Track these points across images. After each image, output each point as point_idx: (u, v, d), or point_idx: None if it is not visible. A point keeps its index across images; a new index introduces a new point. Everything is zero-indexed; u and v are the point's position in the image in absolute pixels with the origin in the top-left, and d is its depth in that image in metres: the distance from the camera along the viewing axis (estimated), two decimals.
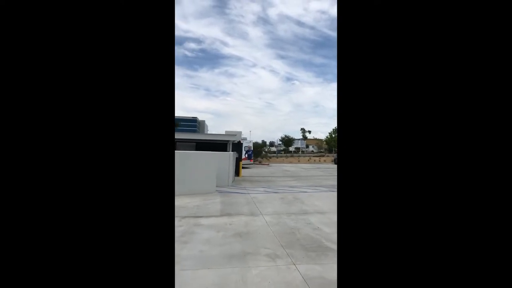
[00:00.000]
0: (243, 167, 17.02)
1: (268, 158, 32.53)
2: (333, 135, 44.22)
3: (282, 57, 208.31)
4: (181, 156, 8.50)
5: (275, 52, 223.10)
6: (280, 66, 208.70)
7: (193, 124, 61.47)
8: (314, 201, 7.71)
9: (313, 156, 39.41)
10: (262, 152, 31.05)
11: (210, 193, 8.75)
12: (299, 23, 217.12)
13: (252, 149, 22.86)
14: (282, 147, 52.34)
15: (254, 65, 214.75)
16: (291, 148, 53.13)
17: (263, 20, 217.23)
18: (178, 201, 7.11)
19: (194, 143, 15.66)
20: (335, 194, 9.03)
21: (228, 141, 14.41)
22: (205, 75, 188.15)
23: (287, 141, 50.34)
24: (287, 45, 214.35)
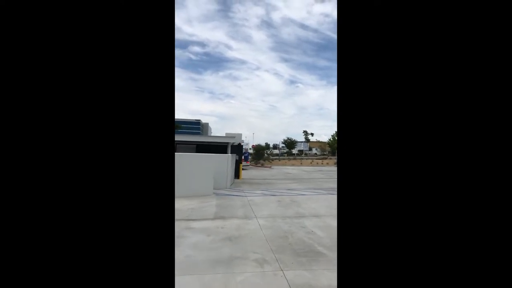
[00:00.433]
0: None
1: (270, 160, 32.36)
2: (336, 138, 43.94)
3: (285, 60, 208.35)
4: (177, 158, 8.40)
5: (278, 55, 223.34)
6: (284, 69, 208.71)
7: (197, 126, 61.56)
8: (311, 204, 7.54)
9: (316, 159, 39.15)
10: (264, 155, 30.88)
11: (207, 196, 8.63)
12: (303, 26, 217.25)
13: (248, 151, 22.85)
14: (286, 150, 52.14)
15: (258, 68, 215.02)
16: (294, 151, 52.90)
17: (267, 24, 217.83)
18: None
19: (195, 145, 15.59)
20: (334, 197, 8.89)
21: (227, 143, 14.31)
22: (209, 78, 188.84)
23: (290, 143, 50.11)
24: (291, 48, 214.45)
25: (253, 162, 29.57)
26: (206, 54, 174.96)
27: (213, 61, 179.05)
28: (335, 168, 25.39)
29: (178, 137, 15.34)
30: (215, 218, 5.97)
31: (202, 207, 7.02)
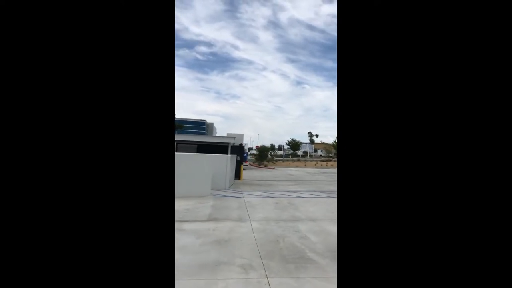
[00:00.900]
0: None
1: (274, 161, 32.17)
2: None
3: (292, 61, 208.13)
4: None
5: (285, 56, 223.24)
6: (290, 70, 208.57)
7: (202, 126, 61.69)
8: (309, 207, 7.37)
9: (320, 161, 38.81)
10: (267, 156, 30.70)
11: (204, 197, 8.52)
12: (310, 27, 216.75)
13: (247, 151, 22.82)
14: (290, 151, 51.85)
15: (264, 69, 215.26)
16: (299, 152, 52.58)
17: (274, 24, 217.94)
18: None
19: (196, 145, 15.52)
20: (333, 200, 8.70)
21: (228, 143, 14.20)
22: (215, 78, 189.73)
23: (294, 145, 49.82)
24: (298, 49, 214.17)
25: (256, 163, 29.44)
26: (213, 54, 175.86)
27: (219, 61, 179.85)
28: None
29: (179, 137, 15.29)
30: (208, 220, 5.85)
31: (197, 208, 6.90)
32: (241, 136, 16.43)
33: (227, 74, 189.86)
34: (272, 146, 59.42)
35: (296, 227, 5.40)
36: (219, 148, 14.69)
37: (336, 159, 42.43)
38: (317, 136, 50.55)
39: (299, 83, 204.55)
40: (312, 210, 7.09)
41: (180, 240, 4.44)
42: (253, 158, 32.48)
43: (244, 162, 22.51)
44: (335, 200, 8.67)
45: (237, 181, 13.59)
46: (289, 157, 48.14)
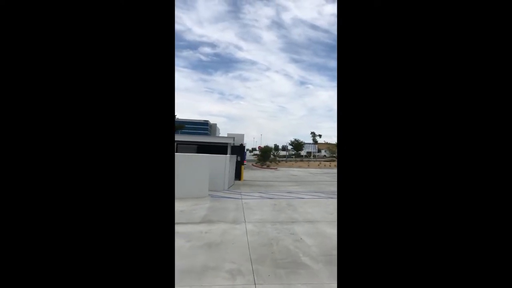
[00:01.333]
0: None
1: (277, 162, 31.95)
2: None
3: (296, 61, 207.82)
4: None
5: (289, 56, 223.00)
6: (294, 70, 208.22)
7: (205, 127, 61.72)
8: (307, 209, 7.16)
9: (324, 161, 38.47)
10: (270, 156, 30.47)
11: (201, 198, 8.36)
12: (313, 27, 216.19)
13: (245, 151, 22.77)
14: (294, 151, 51.50)
15: (268, 69, 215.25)
16: (303, 153, 52.22)
17: (277, 24, 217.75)
18: None
19: (196, 146, 15.40)
20: (333, 201, 8.48)
21: (227, 143, 14.04)
22: (219, 79, 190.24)
23: (297, 145, 49.48)
24: (301, 49, 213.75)
25: (258, 163, 29.25)
26: (216, 55, 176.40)
27: (223, 62, 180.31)
28: None
29: (179, 137, 15.18)
30: (202, 222, 5.68)
31: (192, 210, 6.74)
32: (242, 136, 16.24)
33: (230, 74, 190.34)
34: (276, 147, 59.19)
35: (292, 229, 5.20)
36: (219, 148, 14.54)
37: None
38: (320, 136, 50.24)
39: (302, 83, 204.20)
40: (310, 211, 6.88)
41: None
42: (256, 158, 32.31)
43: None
44: (335, 201, 8.47)
45: (237, 181, 13.41)
46: (292, 157, 47.84)
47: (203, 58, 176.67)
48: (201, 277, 3.17)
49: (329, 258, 3.80)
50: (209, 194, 8.93)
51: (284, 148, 58.15)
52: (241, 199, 8.50)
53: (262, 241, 4.49)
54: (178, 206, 7.00)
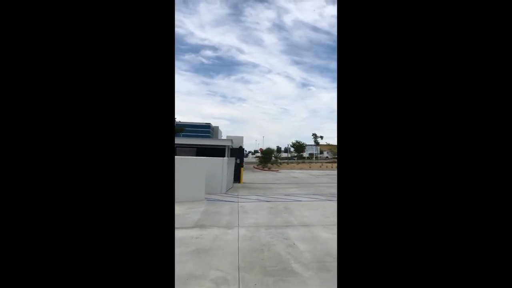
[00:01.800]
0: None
1: (278, 164, 31.75)
2: None
3: (297, 63, 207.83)
4: None
5: (290, 58, 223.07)
6: (296, 72, 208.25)
7: (207, 130, 61.69)
8: (304, 212, 6.99)
9: (326, 162, 38.19)
10: (271, 158, 30.28)
11: (197, 201, 8.22)
12: (315, 29, 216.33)
13: (248, 153, 22.63)
14: (296, 153, 51.23)
15: (270, 72, 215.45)
16: (305, 154, 51.94)
17: (278, 27, 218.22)
18: None
19: (195, 149, 15.30)
20: (331, 203, 8.30)
21: (225, 146, 13.91)
22: (221, 82, 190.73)
23: (299, 147, 49.22)
24: (303, 51, 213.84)
25: (260, 165, 29.07)
26: (218, 58, 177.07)
27: (225, 65, 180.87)
28: None
29: (178, 140, 15.09)
30: (194, 226, 5.53)
31: (186, 214, 6.60)
32: (241, 138, 16.12)
33: (232, 77, 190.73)
34: (278, 149, 59.02)
35: (285, 234, 5.04)
36: (217, 151, 14.41)
37: None
38: (321, 137, 49.90)
39: (304, 85, 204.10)
40: (307, 214, 6.71)
41: None
42: (257, 160, 32.14)
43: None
44: (333, 203, 8.29)
45: (236, 184, 13.26)
46: (294, 159, 47.59)
47: (205, 61, 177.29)
48: (184, 286, 3.02)
49: (321, 265, 3.63)
50: (206, 198, 8.79)
51: (286, 150, 57.90)
52: (238, 202, 8.35)
53: (253, 247, 4.33)
54: None
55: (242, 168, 14.63)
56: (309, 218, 6.31)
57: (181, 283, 3.08)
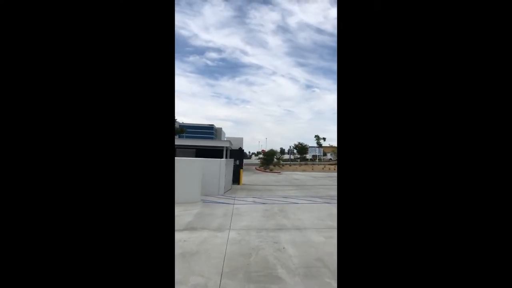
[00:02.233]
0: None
1: (280, 166, 31.56)
2: None
3: (301, 65, 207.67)
4: None
5: (294, 60, 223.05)
6: (300, 73, 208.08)
7: (210, 131, 61.79)
8: (299, 215, 6.82)
9: (329, 164, 37.88)
10: (273, 160, 30.09)
11: (192, 203, 8.10)
12: (319, 31, 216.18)
13: (251, 155, 22.58)
14: (299, 155, 50.92)
15: (274, 73, 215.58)
16: (308, 156, 51.61)
17: (283, 29, 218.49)
18: None
19: (194, 149, 15.22)
20: (328, 206, 8.12)
21: (223, 147, 13.79)
22: (226, 84, 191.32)
23: (301, 148, 48.92)
24: (307, 52, 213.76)
25: (262, 167, 28.92)
26: (223, 60, 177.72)
27: (229, 67, 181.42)
28: None
29: (178, 141, 15.03)
30: (184, 229, 5.40)
31: (179, 216, 6.48)
32: (240, 140, 16.01)
33: (237, 79, 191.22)
34: (282, 150, 58.71)
35: (276, 238, 4.88)
36: (217, 152, 14.30)
37: None
38: (324, 139, 49.43)
39: (308, 86, 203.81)
40: (302, 217, 6.54)
41: None
42: (259, 162, 31.99)
43: None
44: (330, 206, 8.11)
45: (236, 186, 13.12)
46: (297, 161, 47.29)
47: (209, 63, 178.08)
48: None
49: (309, 271, 3.47)
50: (202, 199, 8.67)
51: (290, 152, 57.63)
52: (234, 204, 8.21)
53: (241, 251, 4.18)
54: None
55: (241, 170, 14.49)
56: (303, 221, 6.15)
57: None
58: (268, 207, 7.85)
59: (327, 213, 7.04)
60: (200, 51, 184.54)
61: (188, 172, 8.41)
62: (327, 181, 17.43)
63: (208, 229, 5.40)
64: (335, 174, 24.48)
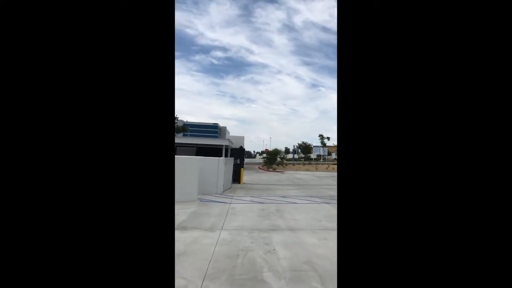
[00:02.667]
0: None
1: (284, 165, 31.36)
2: None
3: (307, 64, 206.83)
4: None
5: (300, 58, 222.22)
6: (305, 72, 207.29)
7: (215, 130, 61.90)
8: (295, 215, 6.66)
9: (333, 164, 37.53)
10: (276, 159, 29.90)
11: (188, 202, 7.99)
12: (325, 29, 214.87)
13: (255, 154, 22.47)
14: (303, 154, 50.60)
15: (279, 72, 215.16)
16: (313, 155, 51.25)
17: (288, 28, 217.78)
18: None
19: (195, 148, 15.14)
20: (326, 206, 7.94)
21: (222, 145, 13.67)
22: (231, 83, 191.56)
23: (305, 148, 48.58)
24: (312, 51, 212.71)
25: (265, 166, 28.76)
26: (228, 58, 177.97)
27: (234, 66, 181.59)
28: None
29: (178, 140, 14.96)
30: (176, 228, 5.28)
31: None
32: (241, 138, 15.87)
33: (242, 78, 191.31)
34: (286, 150, 58.47)
35: (268, 238, 4.73)
36: (217, 150, 14.20)
37: None
38: (328, 138, 48.90)
39: (314, 85, 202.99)
40: (297, 218, 6.38)
41: None
42: (263, 161, 31.88)
43: None
44: (329, 206, 7.92)
45: (236, 185, 13.00)
46: (301, 160, 47.01)
47: (215, 62, 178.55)
48: None
49: (296, 274, 3.32)
50: (200, 198, 8.57)
51: (295, 151, 57.31)
52: (230, 203, 8.09)
53: (229, 252, 4.04)
54: None
55: (242, 169, 14.36)
56: (298, 222, 5.98)
57: None
58: (265, 206, 7.71)
59: (324, 214, 6.86)
60: (206, 49, 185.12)
61: (185, 171, 8.31)
62: (329, 181, 17.20)
63: (199, 229, 5.27)
64: None
